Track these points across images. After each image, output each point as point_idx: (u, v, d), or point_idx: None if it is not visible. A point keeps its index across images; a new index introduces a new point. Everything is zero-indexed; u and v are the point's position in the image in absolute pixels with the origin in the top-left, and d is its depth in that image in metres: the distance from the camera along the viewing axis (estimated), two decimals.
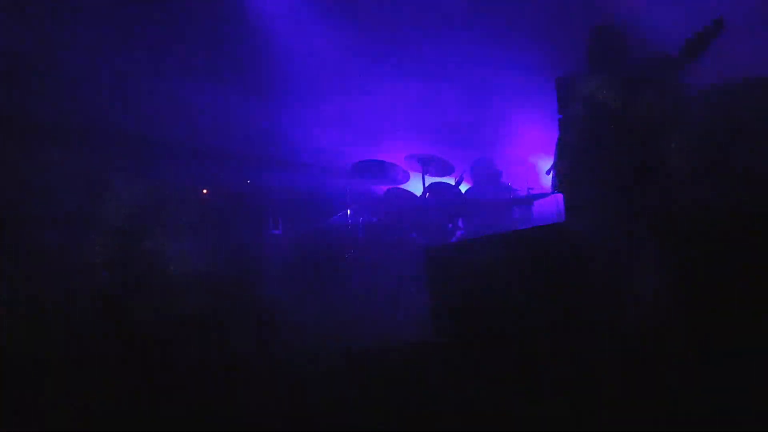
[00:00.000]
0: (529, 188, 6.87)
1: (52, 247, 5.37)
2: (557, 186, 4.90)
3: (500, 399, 3.21)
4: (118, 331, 4.25)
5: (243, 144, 7.45)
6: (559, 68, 7.07)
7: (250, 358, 3.98)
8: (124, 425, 3.66)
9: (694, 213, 3.57)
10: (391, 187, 6.91)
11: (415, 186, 7.13)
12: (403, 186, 6.94)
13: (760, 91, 5.14)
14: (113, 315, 4.40)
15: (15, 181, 5.60)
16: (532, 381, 3.16)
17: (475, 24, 8.21)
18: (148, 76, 6.91)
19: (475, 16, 8.20)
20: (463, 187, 6.99)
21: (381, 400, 3.47)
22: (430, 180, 6.79)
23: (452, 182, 6.91)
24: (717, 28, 4.30)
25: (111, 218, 5.42)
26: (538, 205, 6.70)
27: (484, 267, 3.60)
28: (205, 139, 7.23)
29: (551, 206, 6.52)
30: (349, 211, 6.81)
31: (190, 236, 5.70)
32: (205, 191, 6.96)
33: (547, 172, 5.06)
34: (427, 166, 6.71)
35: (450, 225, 6.69)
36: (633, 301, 4.59)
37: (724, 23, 4.32)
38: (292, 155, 7.70)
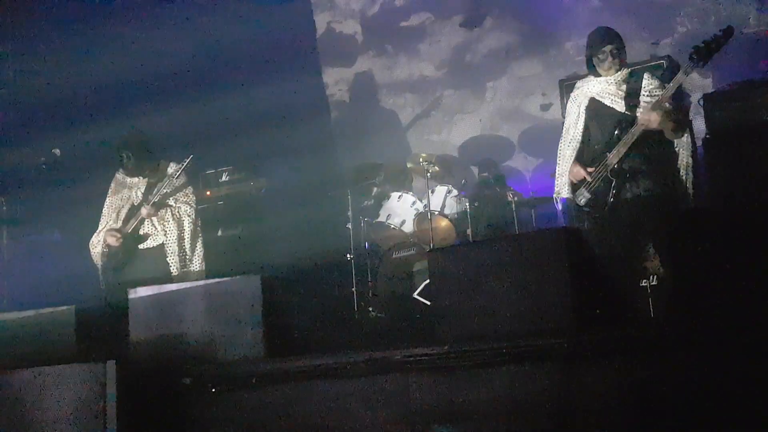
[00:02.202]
0: (532, 191, 6.86)
1: None
2: (561, 189, 4.90)
3: (497, 400, 3.21)
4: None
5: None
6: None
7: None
8: None
9: (694, 212, 3.57)
10: None
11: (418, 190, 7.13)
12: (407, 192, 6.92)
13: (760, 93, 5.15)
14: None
15: None
16: (532, 382, 3.16)
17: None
18: None
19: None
20: (467, 190, 6.98)
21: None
22: (433, 184, 6.78)
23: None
24: (726, 36, 4.29)
25: None
26: (542, 208, 6.69)
27: (486, 270, 3.60)
28: None
29: (554, 209, 6.51)
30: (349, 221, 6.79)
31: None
32: (208, 193, 6.98)
33: (552, 175, 5.05)
34: (430, 167, 6.69)
35: None
36: (636, 302, 4.60)
37: (733, 31, 4.31)
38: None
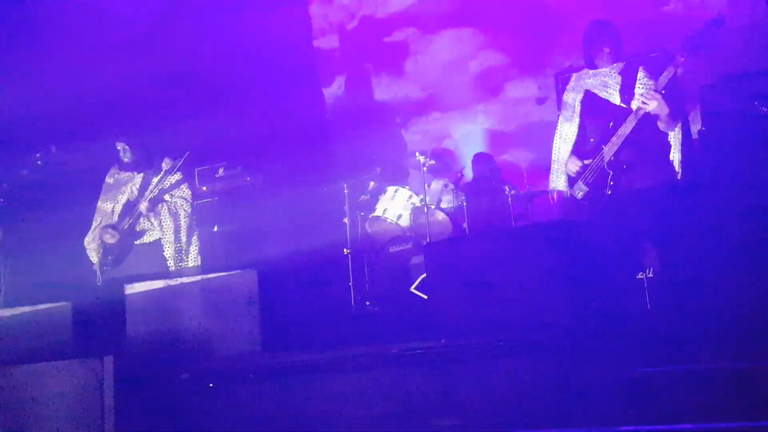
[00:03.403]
0: (528, 184, 6.87)
1: None
2: (556, 183, 4.90)
3: (494, 393, 3.22)
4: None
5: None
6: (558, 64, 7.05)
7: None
8: None
9: (691, 204, 3.58)
10: None
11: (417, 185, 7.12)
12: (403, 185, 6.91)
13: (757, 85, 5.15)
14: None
15: None
16: (529, 375, 3.17)
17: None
18: None
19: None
20: (463, 184, 6.99)
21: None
22: (430, 178, 6.78)
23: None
24: (717, 24, 4.30)
25: None
26: (538, 202, 6.70)
27: (483, 264, 3.60)
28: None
29: (549, 203, 6.51)
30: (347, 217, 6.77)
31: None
32: (204, 188, 6.97)
33: (546, 169, 5.05)
34: (426, 161, 6.68)
35: None
36: (631, 295, 4.60)
37: (723, 20, 4.32)
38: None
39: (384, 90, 8.20)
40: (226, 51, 7.75)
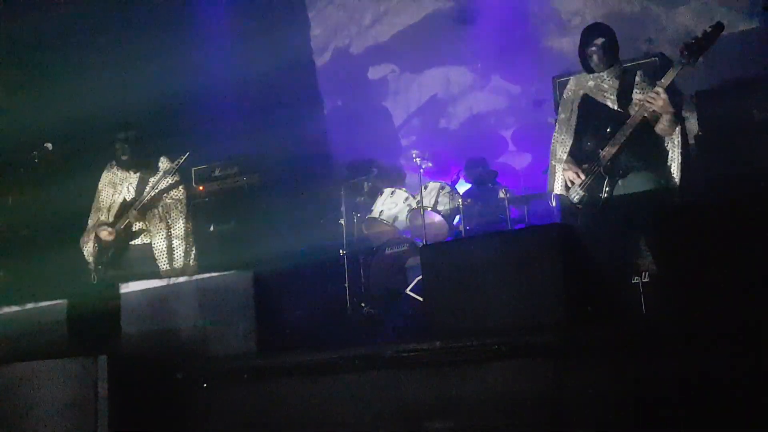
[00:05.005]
0: (525, 188, 6.87)
1: None
2: (554, 186, 4.90)
3: (489, 396, 3.22)
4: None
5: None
6: (556, 68, 7.02)
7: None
8: None
9: (687, 209, 3.58)
10: None
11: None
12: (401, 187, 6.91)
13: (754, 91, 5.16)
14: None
15: None
16: (524, 378, 3.17)
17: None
18: None
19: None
20: (460, 187, 6.99)
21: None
22: (426, 180, 6.79)
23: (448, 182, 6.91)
24: (716, 31, 4.30)
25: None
26: (534, 205, 6.70)
27: (479, 266, 3.60)
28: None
29: (547, 206, 6.51)
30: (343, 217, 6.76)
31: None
32: (201, 188, 6.96)
33: (544, 172, 5.06)
34: (423, 163, 6.69)
35: None
36: (627, 298, 4.61)
37: (723, 27, 4.32)
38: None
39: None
40: (227, 55, 7.75)
